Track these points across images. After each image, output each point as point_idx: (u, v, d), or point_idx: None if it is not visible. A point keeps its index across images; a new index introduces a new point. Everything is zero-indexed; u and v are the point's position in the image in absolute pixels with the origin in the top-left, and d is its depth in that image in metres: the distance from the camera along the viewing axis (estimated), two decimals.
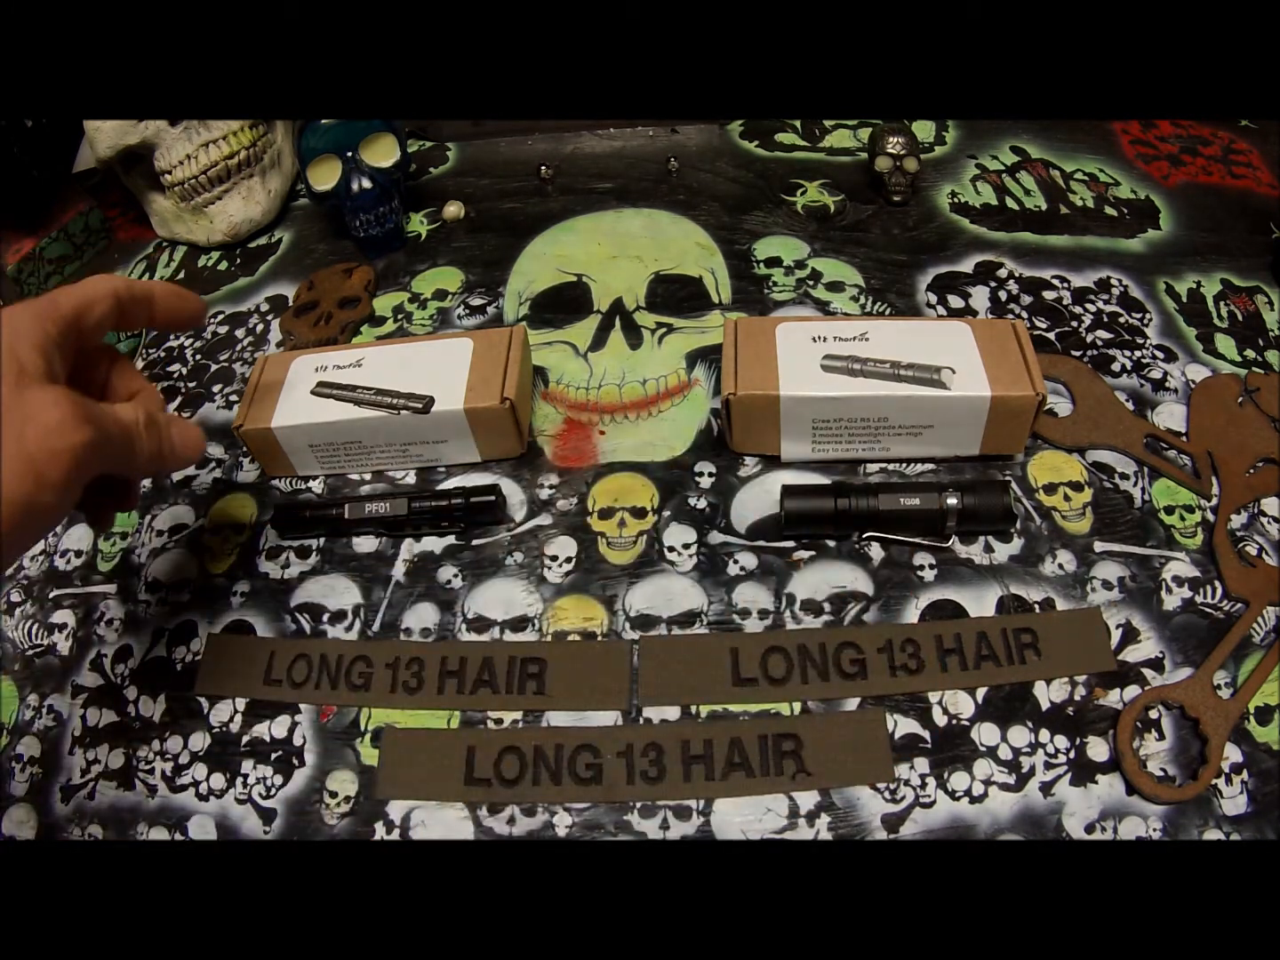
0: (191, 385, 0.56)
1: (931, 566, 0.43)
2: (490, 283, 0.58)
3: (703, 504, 0.46)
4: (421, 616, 0.43)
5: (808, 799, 0.37)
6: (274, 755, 0.40)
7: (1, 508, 0.29)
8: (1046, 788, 0.37)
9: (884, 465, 0.46)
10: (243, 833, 0.39)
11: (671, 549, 0.44)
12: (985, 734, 0.38)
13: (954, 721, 0.38)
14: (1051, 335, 0.51)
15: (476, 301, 0.56)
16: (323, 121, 0.58)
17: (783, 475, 0.46)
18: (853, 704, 0.39)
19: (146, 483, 0.51)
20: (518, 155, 0.67)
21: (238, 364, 0.56)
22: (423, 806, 0.38)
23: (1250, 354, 0.50)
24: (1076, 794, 0.36)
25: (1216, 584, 0.41)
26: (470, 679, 0.41)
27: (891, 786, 0.37)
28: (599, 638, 0.42)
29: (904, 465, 0.46)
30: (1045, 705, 0.39)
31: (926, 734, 0.38)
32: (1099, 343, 0.51)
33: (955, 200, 0.60)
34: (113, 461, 0.33)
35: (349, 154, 0.58)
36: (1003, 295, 0.54)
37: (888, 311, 0.53)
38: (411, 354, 0.48)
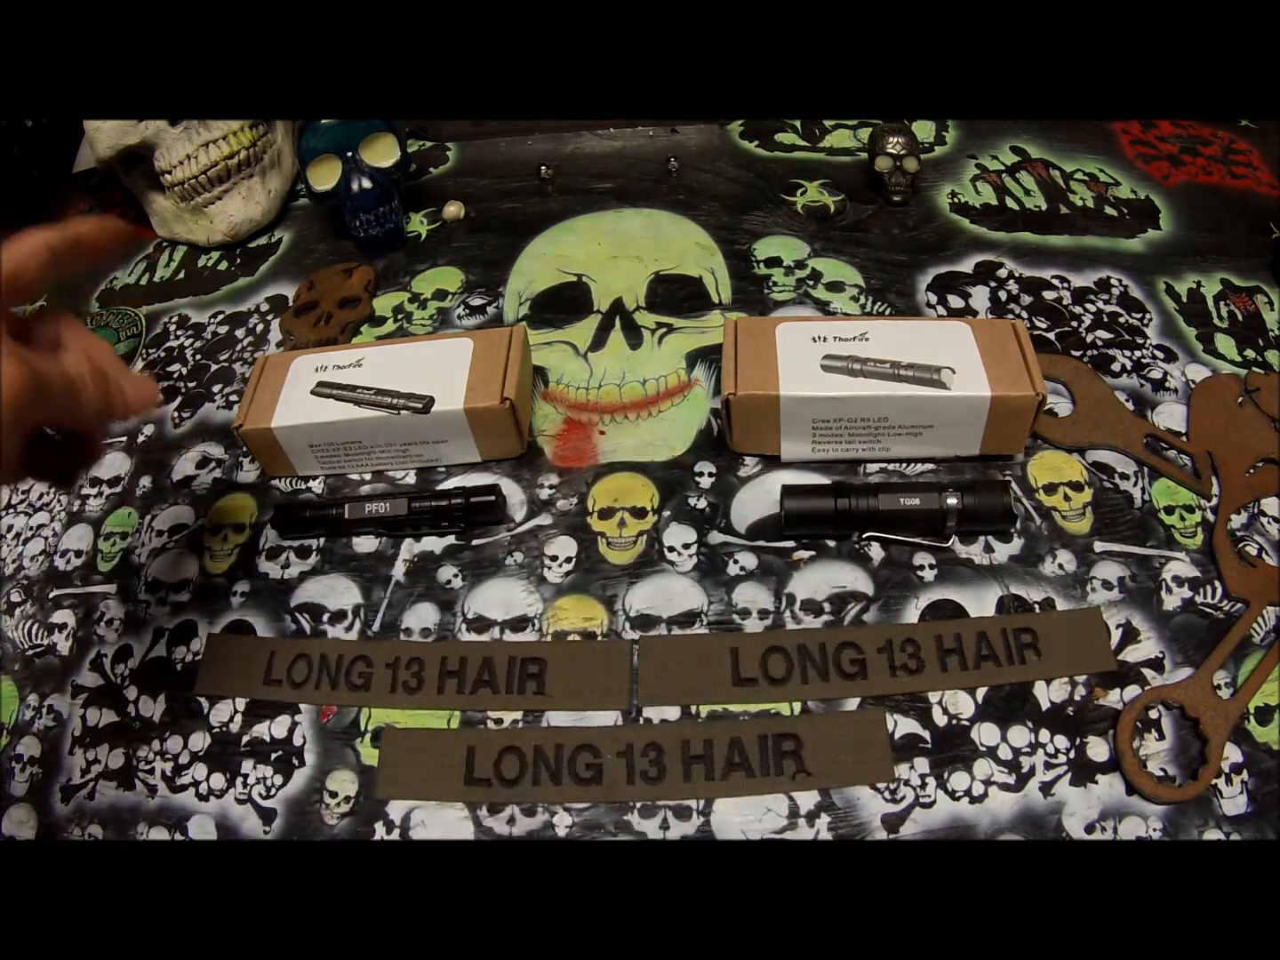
0: (191, 385, 0.56)
1: (931, 566, 0.43)
2: (490, 283, 0.58)
3: (703, 504, 0.46)
4: (421, 616, 0.43)
5: (808, 799, 0.37)
6: (274, 755, 0.40)
7: None
8: (1046, 788, 0.37)
9: (884, 465, 0.46)
10: (243, 833, 0.39)
11: (671, 549, 0.44)
12: (985, 734, 0.38)
13: (954, 721, 0.38)
14: (1051, 335, 0.51)
15: (476, 301, 0.56)
16: (323, 121, 0.58)
17: (783, 475, 0.46)
18: (853, 704, 0.39)
19: (146, 481, 0.51)
20: (518, 155, 0.67)
21: (238, 364, 0.56)
22: (423, 806, 0.38)
23: (1250, 354, 0.50)
24: (1076, 794, 0.36)
25: (1216, 584, 0.41)
26: (470, 679, 0.41)
27: (891, 786, 0.37)
28: (599, 638, 0.42)
29: (904, 465, 0.46)
30: (1045, 705, 0.39)
31: (926, 734, 0.38)
32: (1099, 343, 0.51)
33: (955, 200, 0.60)
34: (55, 410, 0.32)
35: (349, 154, 0.58)
36: (1003, 295, 0.54)
37: (888, 311, 0.53)
38: (411, 354, 0.48)
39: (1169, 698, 0.38)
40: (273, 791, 0.40)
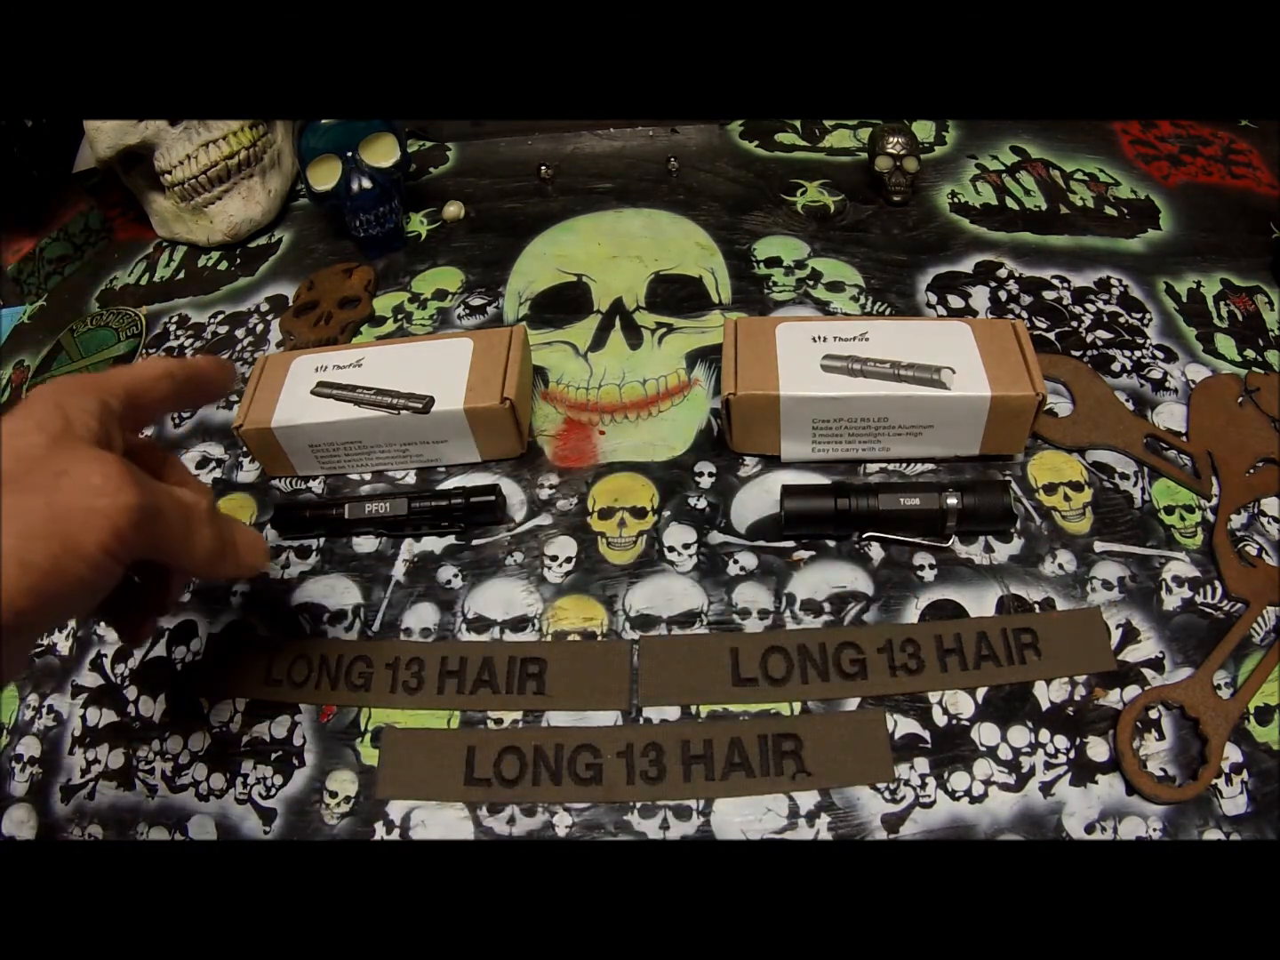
0: None
1: (931, 566, 0.43)
2: (490, 283, 0.58)
3: (703, 504, 0.46)
4: (421, 616, 0.43)
5: (808, 799, 0.37)
6: (274, 755, 0.40)
7: (15, 574, 0.25)
8: (1046, 788, 0.37)
9: (884, 465, 0.46)
10: (243, 833, 0.39)
11: (671, 549, 0.44)
12: (985, 734, 0.38)
13: (954, 721, 0.38)
14: (1051, 335, 0.51)
15: (476, 301, 0.56)
16: (323, 121, 0.58)
17: (783, 475, 0.46)
18: (853, 704, 0.39)
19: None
20: (518, 155, 0.67)
21: (238, 364, 0.56)
22: (423, 806, 0.38)
23: (1250, 354, 0.50)
24: (1076, 794, 0.36)
25: (1216, 584, 0.41)
26: (470, 679, 0.41)
27: (891, 786, 0.37)
28: (599, 638, 0.42)
29: (904, 465, 0.46)
30: (1045, 705, 0.39)
31: (926, 734, 0.38)
32: (1099, 343, 0.51)
33: (955, 200, 0.60)
34: (164, 544, 0.30)
35: (349, 154, 0.58)
36: (1003, 295, 0.54)
37: (888, 311, 0.53)
38: (411, 354, 0.48)
39: (1169, 698, 0.38)
40: (273, 791, 0.40)
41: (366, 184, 0.58)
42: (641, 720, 0.40)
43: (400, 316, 0.57)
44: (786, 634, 0.41)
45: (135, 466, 0.29)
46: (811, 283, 0.55)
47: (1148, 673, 0.39)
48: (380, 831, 0.38)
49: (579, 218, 0.61)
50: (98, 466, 0.27)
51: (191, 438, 0.53)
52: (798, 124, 0.67)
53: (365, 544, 0.46)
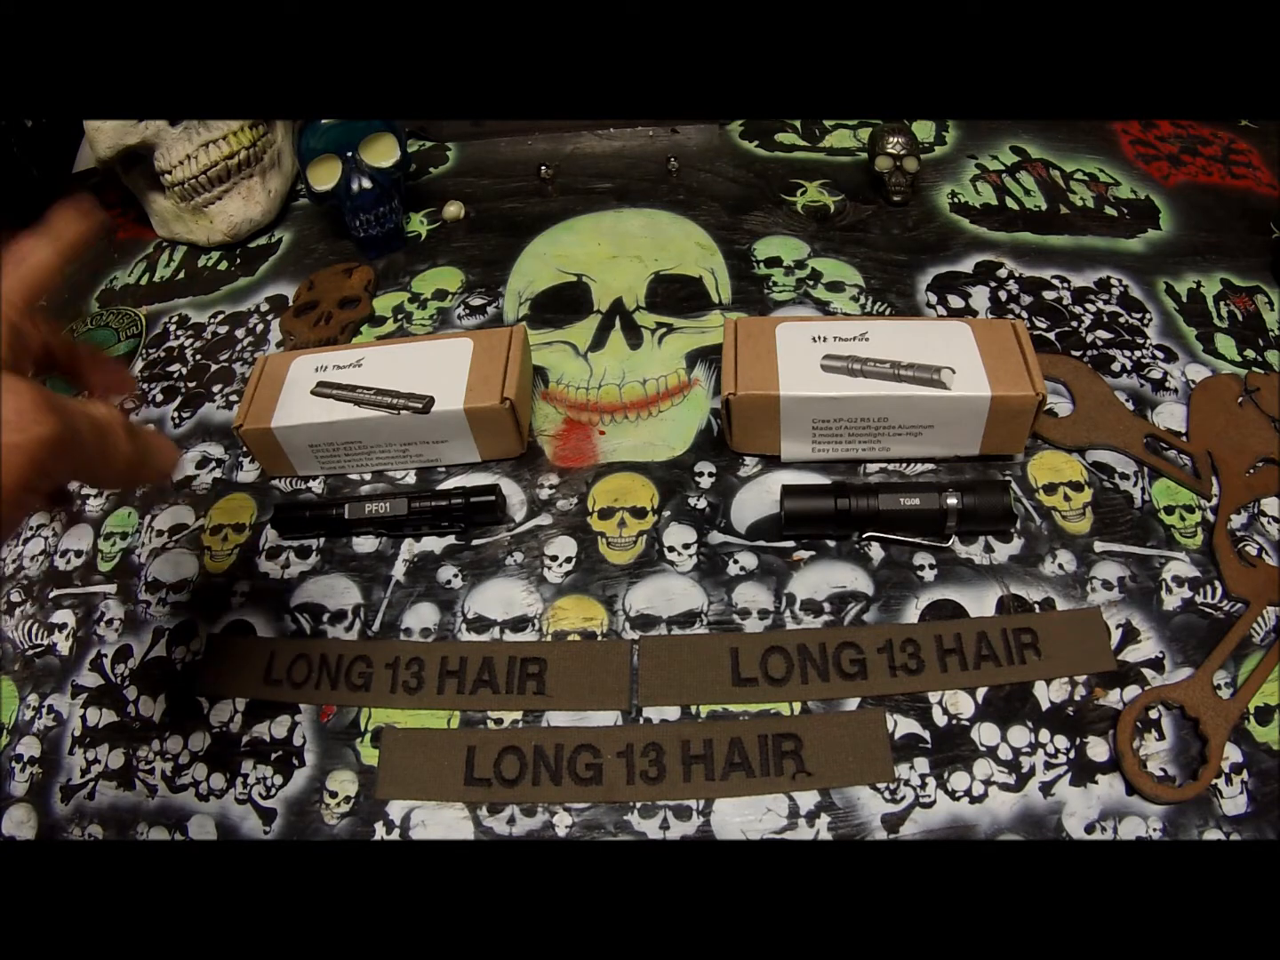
0: (191, 385, 0.56)
1: (931, 566, 0.43)
2: (490, 283, 0.58)
3: (703, 504, 0.46)
4: (421, 616, 0.43)
5: (808, 799, 0.37)
6: (274, 755, 0.40)
7: None
8: (1046, 788, 0.37)
9: (884, 465, 0.46)
10: (243, 833, 0.39)
11: (671, 549, 0.44)
12: (985, 734, 0.38)
13: (954, 721, 0.38)
14: (1051, 335, 0.51)
15: (476, 301, 0.56)
16: (323, 121, 0.58)
17: (783, 475, 0.46)
18: (853, 704, 0.39)
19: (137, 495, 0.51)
20: (518, 155, 0.67)
21: (238, 364, 0.56)
22: (423, 806, 0.38)
23: (1250, 354, 0.50)
24: (1076, 794, 0.36)
25: (1216, 584, 0.41)
26: (470, 679, 0.41)
27: (891, 786, 0.37)
28: (599, 638, 0.42)
29: (904, 465, 0.46)
30: (1045, 705, 0.39)
31: (926, 734, 0.38)
32: (1099, 343, 0.51)
33: (955, 200, 0.60)
34: (83, 465, 0.29)
35: (349, 154, 0.58)
36: (1003, 295, 0.54)
37: (888, 311, 0.53)
38: (411, 354, 0.48)
39: (1169, 698, 0.38)
40: (273, 791, 0.40)
41: (366, 184, 0.58)
42: (641, 720, 0.40)
43: (400, 316, 0.57)
44: (786, 634, 0.41)
45: (48, 391, 0.27)
46: (811, 283, 0.55)
47: (1148, 673, 0.39)
48: (380, 831, 0.38)
49: (579, 218, 0.61)
50: (11, 400, 0.26)
51: (191, 438, 0.53)
52: (798, 124, 0.67)
53: (365, 544, 0.46)
